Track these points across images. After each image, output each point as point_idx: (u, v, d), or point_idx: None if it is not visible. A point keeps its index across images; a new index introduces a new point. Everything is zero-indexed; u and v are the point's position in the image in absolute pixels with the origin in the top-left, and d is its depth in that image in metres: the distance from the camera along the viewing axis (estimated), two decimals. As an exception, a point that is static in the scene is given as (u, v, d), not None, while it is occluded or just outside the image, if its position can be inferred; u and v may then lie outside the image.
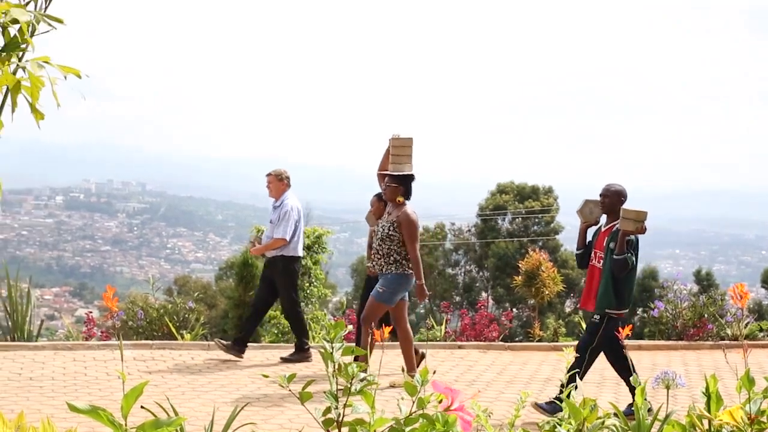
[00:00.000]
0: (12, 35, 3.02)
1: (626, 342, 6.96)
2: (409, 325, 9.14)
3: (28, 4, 3.10)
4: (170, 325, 11.89)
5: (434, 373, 9.41)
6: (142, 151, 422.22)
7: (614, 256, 7.72)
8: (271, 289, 10.53)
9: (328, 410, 3.21)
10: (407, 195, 8.98)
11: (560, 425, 4.00)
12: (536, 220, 46.26)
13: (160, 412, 4.81)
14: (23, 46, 3.02)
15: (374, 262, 9.04)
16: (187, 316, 12.22)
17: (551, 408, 7.41)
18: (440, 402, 3.00)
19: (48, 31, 3.09)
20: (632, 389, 7.95)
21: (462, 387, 8.99)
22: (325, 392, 3.25)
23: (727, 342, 12.24)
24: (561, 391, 7.74)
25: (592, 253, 8.14)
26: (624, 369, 8.02)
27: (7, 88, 2.96)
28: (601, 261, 7.96)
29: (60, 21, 3.07)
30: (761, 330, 12.92)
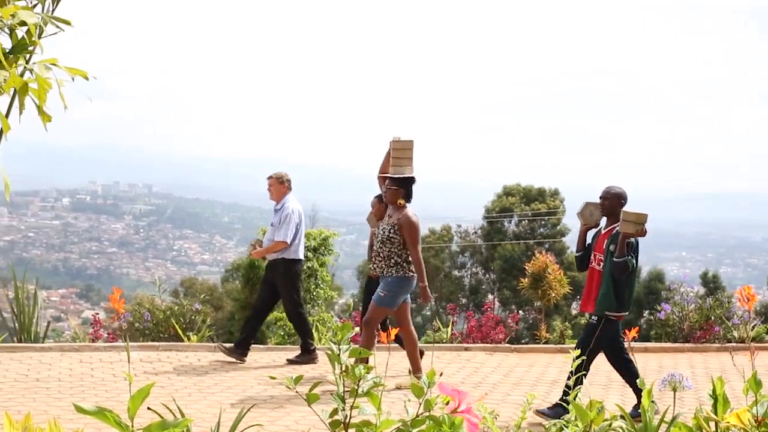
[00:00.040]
0: (20, 37, 3.03)
1: (633, 344, 6.96)
2: (413, 327, 9.14)
3: (35, 6, 3.11)
4: (177, 326, 11.90)
5: (441, 375, 9.41)
6: (141, 151, 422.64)
7: (614, 259, 7.71)
8: (272, 292, 10.53)
9: (335, 412, 3.21)
10: (408, 198, 8.97)
11: (567, 427, 4.00)
12: (542, 222, 46.22)
13: (167, 414, 4.82)
14: (31, 48, 3.03)
15: (375, 265, 9.04)
16: (193, 317, 12.23)
17: (554, 413, 7.39)
18: (447, 404, 3.00)
19: (56, 33, 3.09)
20: (637, 391, 7.94)
21: (468, 389, 8.98)
22: (332, 394, 3.25)
23: (734, 344, 12.21)
24: (564, 395, 7.75)
25: (592, 255, 8.13)
26: (627, 371, 8.00)
27: (15, 90, 2.97)
28: (601, 263, 7.94)
29: (68, 23, 3.08)
30: (768, 332, 12.90)
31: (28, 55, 3.03)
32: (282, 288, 10.38)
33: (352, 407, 3.18)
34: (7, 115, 3.04)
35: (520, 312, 37.60)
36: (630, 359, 8.02)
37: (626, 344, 7.96)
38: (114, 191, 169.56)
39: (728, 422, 4.08)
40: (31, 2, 3.09)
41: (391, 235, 8.82)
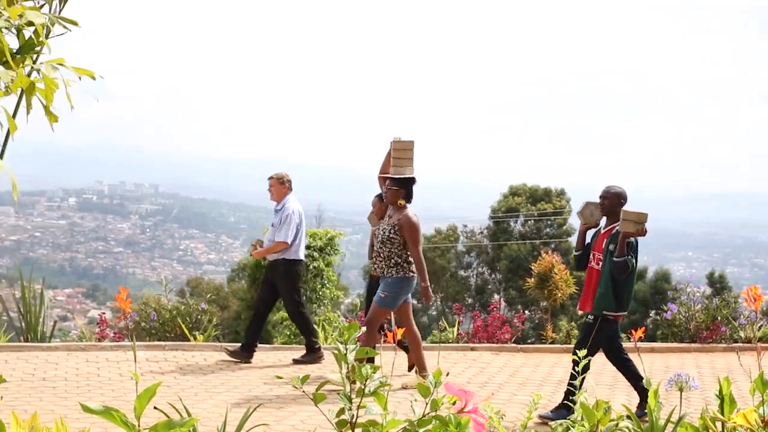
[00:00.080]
0: (27, 37, 3.03)
1: (639, 344, 6.95)
2: (415, 327, 9.14)
3: (42, 6, 3.11)
4: (183, 326, 11.92)
5: (447, 374, 9.41)
6: (146, 151, 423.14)
7: (614, 258, 7.68)
8: (272, 292, 10.54)
9: (341, 411, 3.21)
10: (408, 198, 8.96)
11: (573, 427, 4.00)
12: (549, 222, 46.18)
13: (173, 413, 4.83)
14: (38, 48, 3.03)
15: (375, 265, 9.04)
16: (199, 317, 12.24)
17: (557, 416, 7.37)
18: (454, 404, 3.00)
19: (63, 34, 3.10)
20: (639, 390, 7.93)
21: (474, 389, 8.95)
22: (338, 393, 3.25)
23: (741, 344, 12.19)
24: (565, 397, 7.75)
25: (591, 254, 8.11)
26: (628, 370, 7.99)
27: (22, 90, 2.98)
28: (600, 263, 7.93)
29: (75, 23, 3.08)
30: (775, 332, 12.87)
31: (35, 55, 3.03)
32: (282, 289, 10.39)
33: (358, 407, 3.18)
34: (14, 116, 3.05)
35: (526, 312, 37.51)
36: (629, 359, 8.00)
37: (633, 344, 7.94)
38: (120, 191, 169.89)
39: (735, 422, 4.08)
40: (38, 2, 3.10)
41: (391, 235, 8.82)
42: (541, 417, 7.64)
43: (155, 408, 4.47)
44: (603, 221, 8.15)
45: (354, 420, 3.19)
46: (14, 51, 2.96)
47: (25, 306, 11.70)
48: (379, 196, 9.65)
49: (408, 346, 9.47)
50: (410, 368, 9.55)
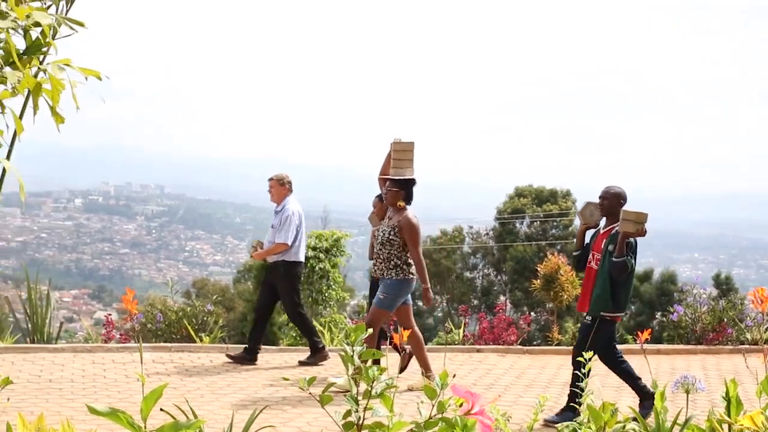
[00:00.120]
0: (34, 38, 3.03)
1: (645, 346, 6.94)
2: (417, 328, 9.13)
3: (49, 7, 3.11)
4: (189, 327, 11.92)
5: (453, 376, 9.41)
6: (149, 152, 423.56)
7: (613, 259, 7.67)
8: (272, 293, 10.54)
9: (348, 413, 3.21)
10: (408, 199, 8.96)
11: (580, 429, 3.99)
12: (554, 223, 46.15)
13: (180, 415, 4.83)
14: (45, 49, 3.03)
15: (375, 266, 9.04)
16: (205, 318, 12.25)
17: (562, 419, 7.35)
18: (460, 406, 2.99)
19: (70, 35, 3.10)
20: (637, 390, 7.92)
21: (480, 391, 8.97)
22: (345, 395, 3.25)
23: (747, 346, 12.17)
24: (569, 399, 7.74)
25: (590, 255, 8.10)
26: (623, 371, 7.97)
27: (29, 91, 2.98)
28: (599, 263, 7.91)
29: (81, 24, 3.08)
30: (781, 334, 12.84)
31: (42, 56, 3.03)
32: (282, 290, 10.38)
33: (365, 409, 3.18)
34: (21, 117, 3.05)
35: (532, 313, 37.49)
36: (624, 360, 7.99)
37: (639, 346, 7.93)
38: (126, 192, 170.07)
39: (741, 425, 4.06)
40: (45, 3, 3.10)
41: (390, 237, 8.81)
42: (546, 421, 7.63)
43: (161, 410, 4.47)
44: (603, 221, 8.15)
45: (360, 422, 3.18)
46: (21, 52, 2.96)
47: (31, 307, 11.71)
48: (380, 197, 9.65)
49: (402, 348, 9.49)
50: (401, 370, 9.53)
